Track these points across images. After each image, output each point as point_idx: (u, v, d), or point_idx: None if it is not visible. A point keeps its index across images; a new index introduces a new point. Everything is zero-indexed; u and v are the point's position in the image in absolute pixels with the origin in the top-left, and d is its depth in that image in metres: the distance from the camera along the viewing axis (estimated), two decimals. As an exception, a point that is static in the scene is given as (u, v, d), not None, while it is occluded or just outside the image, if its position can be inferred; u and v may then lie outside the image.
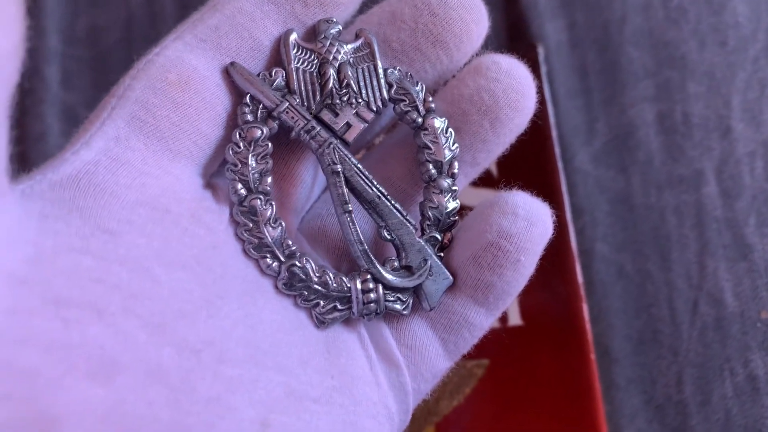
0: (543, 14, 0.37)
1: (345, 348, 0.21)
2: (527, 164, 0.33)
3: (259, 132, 0.20)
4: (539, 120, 0.33)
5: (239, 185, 0.20)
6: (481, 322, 0.22)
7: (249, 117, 0.20)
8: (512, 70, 0.22)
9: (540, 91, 0.34)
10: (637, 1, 0.37)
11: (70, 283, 0.15)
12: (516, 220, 0.21)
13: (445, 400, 0.31)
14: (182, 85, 0.19)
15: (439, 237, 0.22)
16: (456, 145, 0.22)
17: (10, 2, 0.14)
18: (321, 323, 0.21)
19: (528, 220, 0.21)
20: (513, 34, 0.37)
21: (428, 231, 0.22)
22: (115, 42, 0.39)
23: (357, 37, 0.21)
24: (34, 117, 0.36)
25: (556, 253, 0.32)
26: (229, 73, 0.20)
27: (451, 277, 0.21)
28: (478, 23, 0.22)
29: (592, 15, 0.37)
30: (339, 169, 0.21)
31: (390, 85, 0.22)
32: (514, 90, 0.21)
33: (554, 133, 0.34)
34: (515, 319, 0.32)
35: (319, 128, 0.20)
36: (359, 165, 0.21)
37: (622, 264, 0.33)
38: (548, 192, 0.33)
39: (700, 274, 0.33)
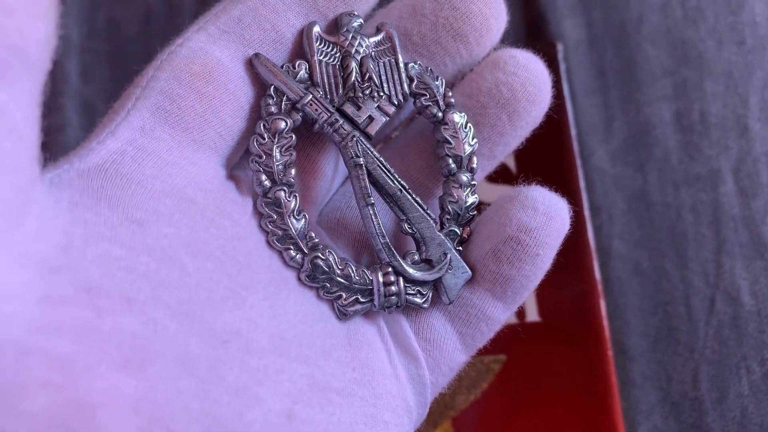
0: (561, 12, 0.37)
1: (365, 341, 0.21)
2: (546, 161, 0.33)
3: (284, 124, 0.20)
4: (558, 117, 0.33)
5: (263, 176, 0.20)
6: (499, 316, 0.22)
7: (273, 109, 0.20)
8: (529, 64, 0.22)
9: (559, 88, 0.34)
10: (655, 0, 0.37)
11: (101, 272, 0.15)
12: (535, 214, 0.21)
13: (462, 395, 0.32)
14: (206, 77, 0.19)
15: (458, 231, 0.22)
16: (475, 140, 0.22)
17: None
18: (343, 315, 0.21)
19: (547, 215, 0.21)
20: (532, 31, 0.38)
21: (448, 225, 0.22)
22: (134, 35, 0.39)
23: (378, 30, 0.21)
24: (53, 109, 0.37)
25: (573, 251, 0.32)
26: (253, 64, 0.20)
27: (470, 272, 0.21)
28: (498, 17, 0.22)
29: (610, 13, 0.37)
30: (362, 162, 0.21)
31: (411, 80, 0.22)
32: (531, 83, 0.22)
33: (573, 131, 0.34)
34: (533, 316, 0.32)
35: (342, 121, 0.20)
36: (381, 158, 0.21)
37: (639, 261, 0.34)
38: (566, 189, 0.33)
39: (716, 272, 0.33)
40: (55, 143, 0.36)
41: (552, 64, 0.34)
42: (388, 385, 0.20)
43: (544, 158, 0.33)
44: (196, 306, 0.17)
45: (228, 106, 0.19)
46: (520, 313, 0.32)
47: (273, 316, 0.19)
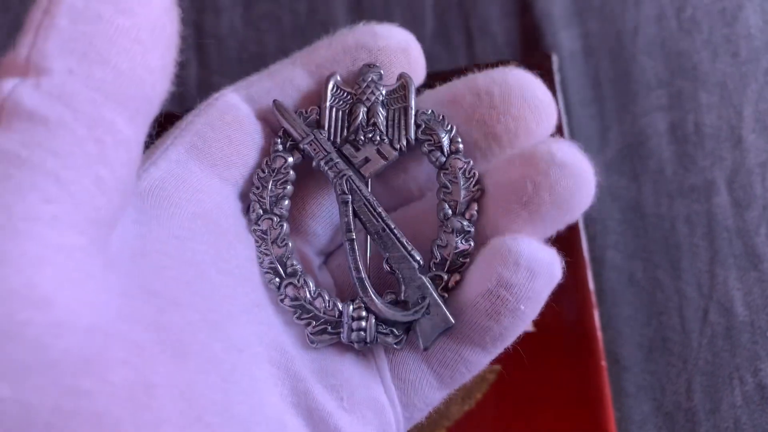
0: (557, 23, 0.37)
1: (356, 370, 0.21)
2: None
3: (282, 160, 0.22)
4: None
5: (258, 206, 0.22)
6: (479, 360, 0.21)
7: (279, 147, 0.22)
8: (568, 162, 0.20)
9: (554, 100, 0.34)
10: (650, 12, 0.37)
11: (156, 278, 0.18)
12: (517, 270, 0.20)
13: (457, 405, 0.32)
14: (236, 125, 0.21)
15: (444, 277, 0.21)
16: (477, 186, 0.21)
17: (175, 43, 0.18)
18: (311, 342, 0.21)
19: (530, 271, 0.20)
20: (527, 42, 0.38)
21: (434, 269, 0.22)
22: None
23: (398, 79, 0.22)
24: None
25: (567, 261, 0.32)
26: (273, 107, 0.22)
27: (451, 320, 0.21)
28: (540, 123, 0.21)
29: (606, 25, 0.37)
30: (348, 199, 0.22)
31: (418, 126, 0.22)
32: (564, 187, 0.20)
33: (567, 142, 0.34)
34: (527, 326, 0.32)
35: (337, 160, 0.22)
36: (370, 198, 0.22)
37: (633, 272, 0.34)
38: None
39: (710, 283, 0.33)
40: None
41: (547, 75, 0.35)
42: (379, 414, 0.21)
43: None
44: (219, 316, 0.19)
45: (251, 151, 0.22)
46: (515, 323, 0.32)
47: (278, 333, 0.21)
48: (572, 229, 0.33)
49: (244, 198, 0.22)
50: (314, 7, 0.40)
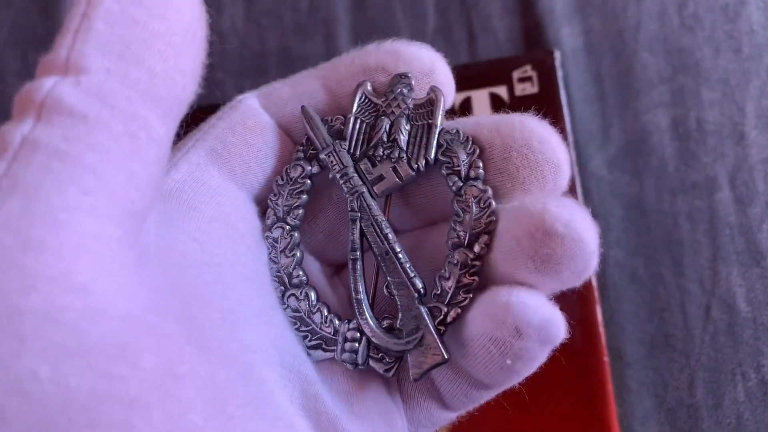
0: (559, 20, 0.37)
1: (367, 379, 0.21)
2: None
3: (301, 170, 0.22)
4: (555, 125, 0.34)
5: (272, 213, 0.22)
6: (481, 397, 0.21)
7: (300, 155, 0.22)
8: (583, 236, 0.18)
9: (556, 96, 0.34)
10: (653, 8, 0.37)
11: (179, 274, 0.19)
12: (503, 327, 0.19)
13: (459, 401, 0.32)
14: (257, 131, 0.22)
15: (444, 309, 0.20)
16: (491, 218, 0.20)
17: (203, 54, 0.19)
18: (308, 355, 0.21)
19: (517, 331, 0.19)
20: (529, 39, 0.38)
21: (434, 300, 0.20)
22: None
23: (428, 93, 0.21)
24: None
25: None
26: (301, 113, 0.22)
27: (445, 356, 0.20)
28: (557, 175, 0.20)
29: (608, 21, 0.37)
30: (356, 217, 0.21)
31: (440, 146, 0.21)
32: (576, 264, 0.19)
33: (570, 138, 0.34)
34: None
35: (352, 175, 0.21)
36: (379, 218, 0.21)
37: (635, 268, 0.34)
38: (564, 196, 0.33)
39: (712, 279, 0.33)
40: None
41: (549, 72, 0.35)
42: (389, 421, 0.21)
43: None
44: (236, 317, 0.20)
45: (269, 158, 0.22)
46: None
47: (292, 337, 0.21)
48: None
49: (261, 202, 0.22)
50: (315, 5, 0.40)
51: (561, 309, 0.32)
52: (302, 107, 0.22)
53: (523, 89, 0.34)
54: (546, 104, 0.32)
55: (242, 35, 0.40)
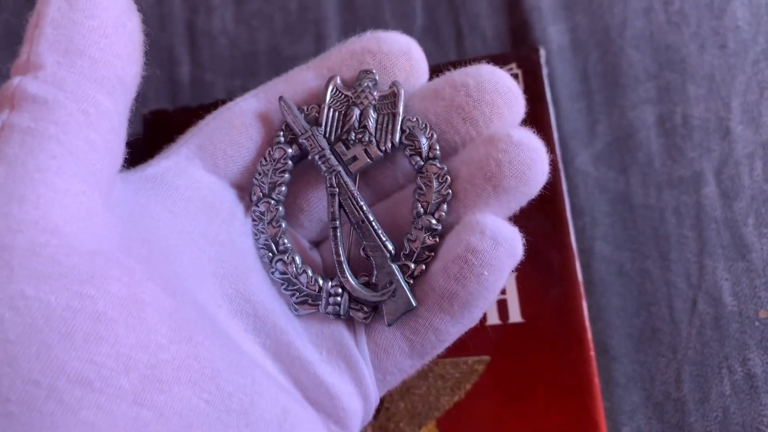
0: (546, 17, 0.38)
1: (336, 331, 0.25)
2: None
3: (282, 151, 0.25)
4: (540, 121, 0.34)
5: (258, 190, 0.25)
6: (446, 328, 0.24)
7: (281, 139, 0.25)
8: (523, 142, 0.23)
9: (541, 93, 0.35)
10: (638, 5, 0.37)
11: (150, 234, 0.22)
12: (483, 238, 0.23)
13: (446, 396, 0.32)
14: (242, 130, 0.25)
15: (411, 266, 0.24)
16: (449, 191, 0.24)
17: (138, 35, 0.23)
18: (295, 311, 0.25)
19: (494, 240, 0.23)
20: (516, 36, 0.38)
21: (403, 259, 0.24)
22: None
23: (390, 87, 0.25)
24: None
25: (556, 252, 0.33)
26: (278, 103, 0.25)
27: (413, 303, 0.24)
28: (511, 108, 0.24)
29: (594, 18, 0.38)
30: (335, 192, 0.25)
31: (403, 131, 0.24)
32: (521, 162, 0.23)
33: (555, 135, 0.34)
34: (516, 317, 0.32)
35: (330, 156, 0.25)
36: (355, 191, 0.25)
37: (622, 263, 0.34)
38: (549, 192, 0.33)
39: (699, 273, 0.33)
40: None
41: (535, 69, 0.35)
42: (355, 367, 0.24)
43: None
44: (205, 274, 0.23)
45: (252, 154, 0.25)
46: (504, 314, 0.32)
47: (265, 297, 0.24)
48: (561, 220, 0.33)
49: (241, 189, 0.26)
50: (305, 5, 0.41)
51: (548, 304, 0.32)
52: (280, 97, 0.25)
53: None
54: (532, 101, 0.33)
55: (232, 36, 0.40)
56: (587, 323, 0.32)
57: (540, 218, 0.33)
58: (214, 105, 0.26)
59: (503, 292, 0.33)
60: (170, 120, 0.37)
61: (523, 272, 0.33)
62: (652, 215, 0.34)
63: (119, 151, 0.23)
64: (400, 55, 0.25)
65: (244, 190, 0.26)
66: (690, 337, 0.33)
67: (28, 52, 0.21)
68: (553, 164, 0.34)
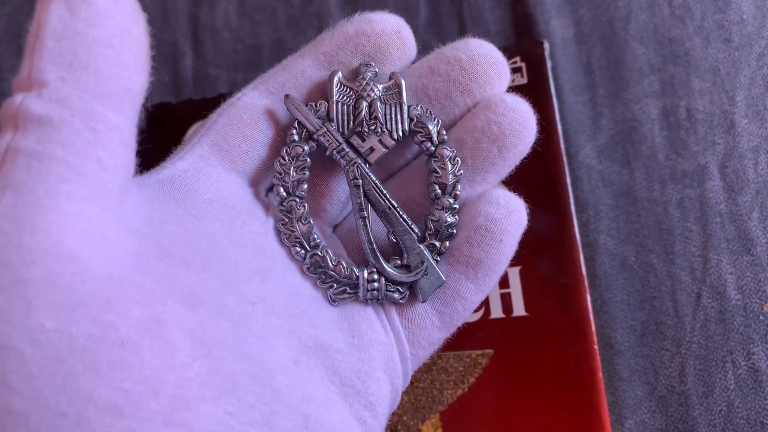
0: (549, 11, 0.38)
1: (366, 317, 0.26)
2: (533, 158, 0.33)
3: (300, 149, 0.25)
4: (545, 115, 0.34)
5: (281, 189, 0.25)
6: (471, 296, 0.26)
7: (295, 137, 0.25)
8: (516, 105, 0.26)
9: (546, 86, 0.35)
10: (643, -1, 0.37)
11: (169, 243, 0.22)
12: (498, 208, 0.25)
13: (450, 390, 0.32)
14: (252, 124, 0.25)
15: (437, 245, 0.26)
16: (461, 171, 0.26)
17: (144, 40, 0.21)
18: (333, 302, 0.26)
19: (507, 209, 0.25)
20: (520, 30, 0.38)
21: (428, 239, 0.26)
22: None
23: (390, 78, 0.26)
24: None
25: (560, 246, 0.33)
26: (285, 102, 0.25)
27: (443, 278, 0.26)
28: (500, 77, 0.26)
29: (598, 12, 0.38)
30: (359, 183, 0.26)
31: (411, 119, 0.26)
32: (517, 122, 0.26)
33: (559, 128, 0.34)
34: (520, 311, 0.32)
35: (348, 150, 0.26)
36: (377, 181, 0.26)
37: (626, 257, 0.34)
38: (553, 186, 0.33)
39: (703, 267, 0.33)
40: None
41: (539, 63, 0.35)
42: (383, 351, 0.25)
43: (532, 156, 0.33)
44: (233, 276, 0.23)
45: (265, 146, 0.25)
46: (507, 308, 0.32)
47: (290, 293, 0.25)
48: (565, 214, 0.33)
49: (256, 182, 0.26)
50: (308, -1, 0.41)
51: (551, 297, 0.32)
52: (286, 96, 0.25)
53: (512, 80, 0.34)
54: (535, 95, 0.33)
55: (235, 30, 0.40)
56: (591, 317, 0.32)
57: (544, 211, 0.33)
58: (218, 98, 0.27)
59: (507, 285, 0.33)
60: (174, 113, 0.37)
61: (527, 266, 0.33)
62: (656, 209, 0.34)
63: (130, 163, 0.22)
64: (392, 34, 0.26)
65: (259, 184, 0.26)
66: (694, 330, 0.32)
67: (30, 68, 0.20)
68: (558, 157, 0.34)
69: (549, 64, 0.35)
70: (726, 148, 0.35)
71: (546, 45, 0.35)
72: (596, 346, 0.31)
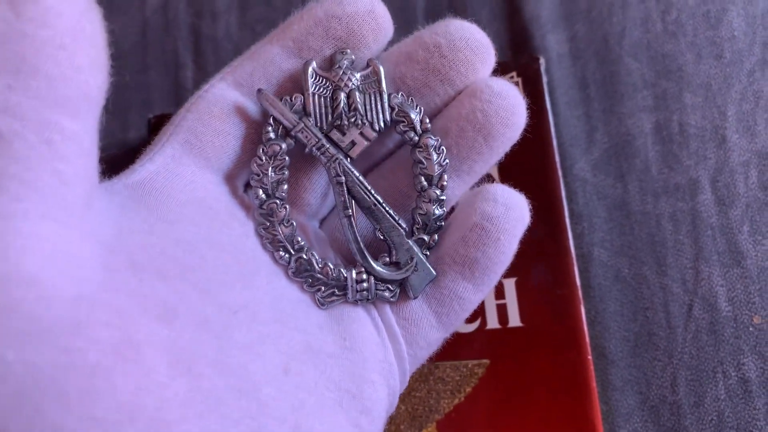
0: (545, 26, 0.38)
1: (357, 318, 0.25)
2: (528, 172, 0.34)
3: (278, 147, 0.24)
4: (540, 129, 0.34)
5: (260, 191, 0.24)
6: (469, 296, 0.25)
7: (271, 135, 0.24)
8: (503, 91, 0.24)
9: (541, 101, 0.35)
10: (636, 15, 0.38)
11: (141, 254, 0.21)
12: (496, 205, 0.24)
13: (447, 399, 0.32)
14: (223, 118, 0.24)
15: (426, 239, 0.25)
16: (447, 160, 0.25)
17: (101, 49, 0.19)
18: (321, 305, 0.25)
19: (506, 206, 0.24)
20: (516, 45, 0.39)
21: (417, 233, 0.25)
22: (130, 46, 0.40)
23: (368, 65, 0.24)
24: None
25: (555, 257, 0.33)
26: (257, 97, 0.24)
27: (434, 273, 0.25)
28: (484, 62, 0.25)
29: (593, 28, 0.38)
30: (342, 180, 0.24)
31: (392, 108, 0.25)
32: (504, 109, 0.24)
33: (554, 142, 0.35)
34: (515, 321, 0.33)
35: (328, 145, 0.24)
36: (360, 177, 0.24)
37: (619, 268, 0.34)
38: (548, 198, 0.34)
39: (694, 279, 0.34)
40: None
41: (535, 78, 0.35)
42: (377, 352, 0.24)
43: (527, 169, 0.34)
44: (212, 284, 0.22)
45: (239, 140, 0.24)
46: (503, 318, 0.33)
47: (275, 297, 0.23)
48: (560, 226, 0.34)
49: (232, 180, 0.24)
50: (308, 11, 0.41)
51: (546, 308, 0.33)
52: (258, 90, 0.24)
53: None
54: (531, 109, 0.33)
55: (237, 40, 0.41)
56: (585, 327, 0.32)
57: (539, 224, 0.33)
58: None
59: (502, 296, 0.33)
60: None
61: (522, 277, 0.33)
62: (648, 221, 0.35)
63: (93, 172, 0.20)
64: (365, 15, 0.24)
65: (236, 180, 0.25)
66: (685, 341, 0.33)
67: None
68: (553, 171, 0.34)
69: (545, 79, 0.36)
70: (717, 162, 0.35)
71: (542, 60, 0.36)
72: (590, 356, 0.32)
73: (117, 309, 0.19)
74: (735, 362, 0.32)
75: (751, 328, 0.33)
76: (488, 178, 0.34)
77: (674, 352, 0.33)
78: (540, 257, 0.33)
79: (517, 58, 0.37)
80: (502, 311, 0.33)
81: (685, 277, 0.34)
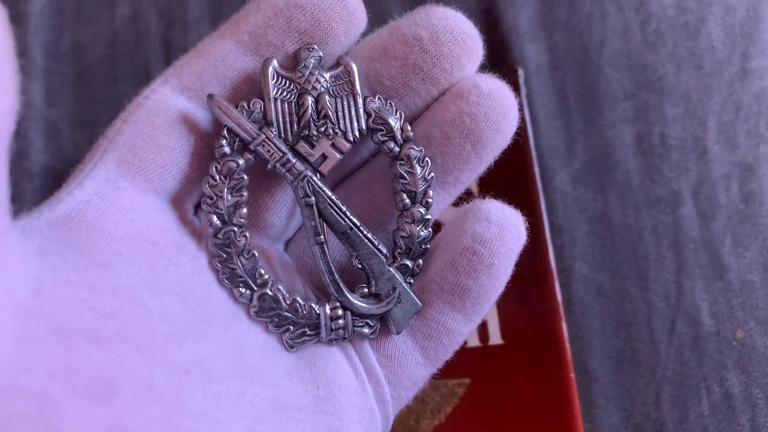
0: (524, 37, 0.38)
1: (331, 359, 0.22)
2: (507, 184, 0.33)
3: (234, 165, 0.20)
4: (519, 141, 0.34)
5: (214, 217, 0.20)
6: (459, 328, 0.22)
7: (226, 149, 0.20)
8: (493, 91, 0.22)
9: (520, 113, 0.35)
10: (616, 25, 0.38)
11: (69, 314, 0.17)
12: (489, 225, 0.21)
13: (427, 419, 0.32)
14: (167, 130, 0.20)
15: (409, 264, 0.22)
16: (431, 174, 0.22)
17: (6, 66, 0.16)
18: (290, 347, 0.21)
19: (500, 226, 0.21)
20: (494, 57, 0.38)
21: (399, 259, 0.22)
22: (99, 59, 0.39)
23: (338, 64, 0.21)
24: (16, 133, 0.36)
25: (535, 272, 0.33)
26: (208, 104, 0.20)
27: (419, 304, 0.22)
28: (471, 56, 0.22)
29: (572, 38, 0.38)
30: (312, 202, 0.21)
31: (368, 115, 0.21)
32: (495, 112, 0.21)
33: (534, 154, 0.34)
34: (496, 339, 0.32)
35: (294, 161, 0.21)
36: (333, 197, 0.21)
37: (601, 283, 0.34)
38: (528, 212, 0.33)
39: (677, 293, 0.33)
40: (19, 168, 0.36)
41: (513, 89, 0.35)
42: (355, 399, 0.21)
43: (506, 181, 0.33)
44: (158, 340, 0.18)
45: (187, 156, 0.20)
46: (484, 336, 0.32)
47: (235, 345, 0.20)
48: (539, 240, 0.33)
49: (179, 202, 0.21)
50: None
51: (527, 325, 0.32)
52: (209, 97, 0.20)
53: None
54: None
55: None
56: (567, 344, 0.32)
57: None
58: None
59: (483, 313, 0.32)
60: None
61: (502, 293, 0.32)
62: (630, 235, 0.34)
63: (3, 212, 0.16)
64: (333, 3, 0.20)
65: (184, 203, 0.21)
66: (669, 357, 0.33)
67: None
68: (532, 183, 0.34)
69: (524, 91, 0.35)
70: (698, 174, 0.35)
71: (520, 72, 0.35)
72: (572, 374, 0.31)
73: (37, 394, 0.15)
74: (718, 377, 0.32)
75: (734, 343, 0.32)
76: (465, 191, 0.33)
77: (657, 368, 0.32)
78: (520, 272, 0.32)
79: (495, 70, 0.37)
80: (482, 329, 0.32)
81: (668, 291, 0.33)
